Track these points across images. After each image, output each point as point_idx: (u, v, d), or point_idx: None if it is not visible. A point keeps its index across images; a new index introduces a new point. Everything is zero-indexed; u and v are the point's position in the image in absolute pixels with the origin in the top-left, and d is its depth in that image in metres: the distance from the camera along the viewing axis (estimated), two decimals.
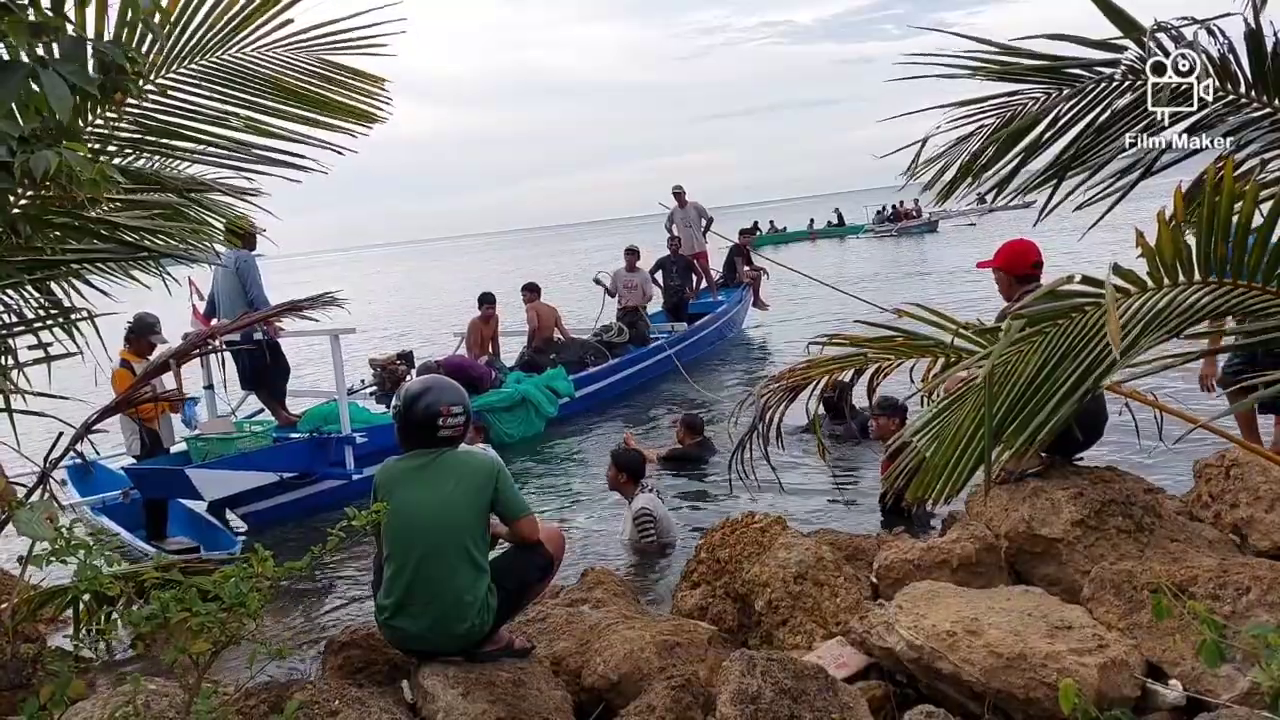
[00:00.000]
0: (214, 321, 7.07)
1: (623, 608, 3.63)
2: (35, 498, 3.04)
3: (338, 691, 2.63)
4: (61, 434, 3.25)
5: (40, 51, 2.15)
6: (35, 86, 2.09)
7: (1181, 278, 2.06)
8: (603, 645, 3.12)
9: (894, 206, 38.20)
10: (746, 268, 13.79)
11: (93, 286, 3.25)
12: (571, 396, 9.01)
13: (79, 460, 5.18)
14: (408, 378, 8.49)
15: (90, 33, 2.48)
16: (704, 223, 13.01)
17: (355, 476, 6.58)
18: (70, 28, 2.23)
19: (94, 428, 3.37)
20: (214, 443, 6.24)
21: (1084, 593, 2.99)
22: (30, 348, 3.09)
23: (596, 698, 3.06)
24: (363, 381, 9.00)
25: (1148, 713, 2.56)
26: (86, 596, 3.02)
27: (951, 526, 3.78)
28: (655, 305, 12.19)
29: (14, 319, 3.07)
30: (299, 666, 3.87)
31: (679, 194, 12.91)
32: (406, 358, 8.78)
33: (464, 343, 10.11)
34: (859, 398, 3.51)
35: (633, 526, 5.11)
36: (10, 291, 3.01)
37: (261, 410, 7.54)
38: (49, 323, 3.12)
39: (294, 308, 3.99)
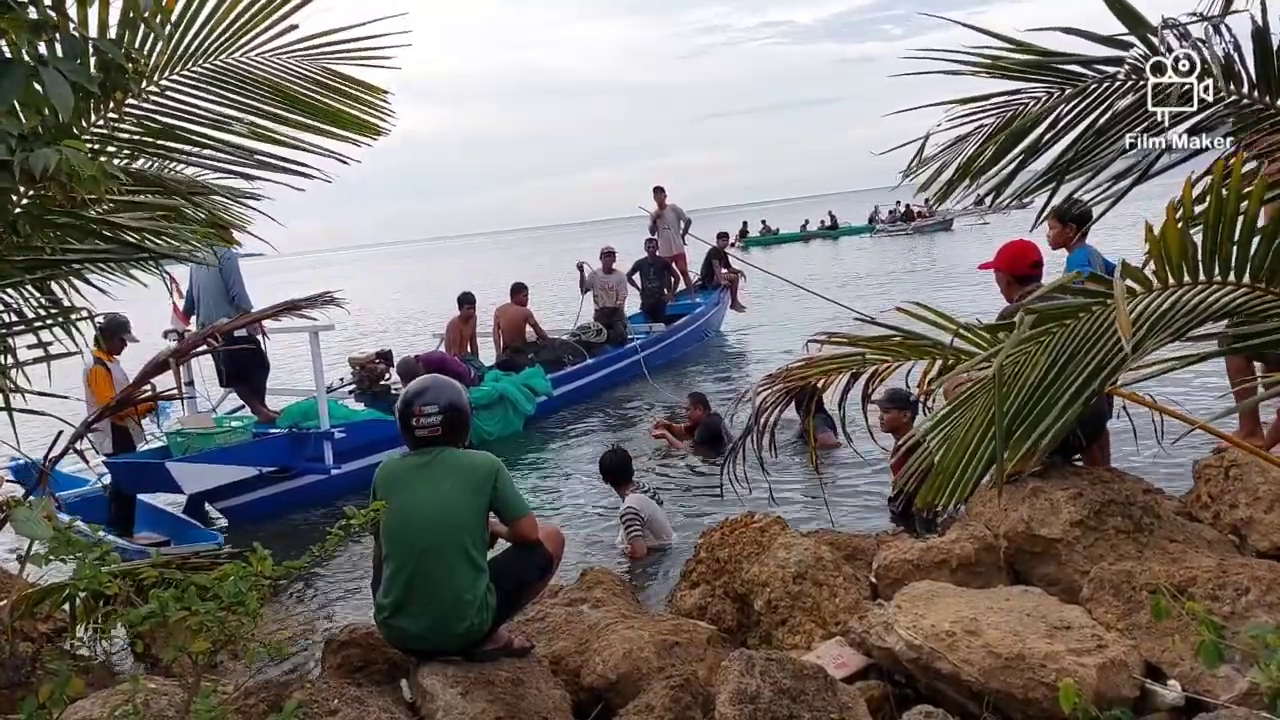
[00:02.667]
0: (193, 319, 7.16)
1: (622, 607, 3.63)
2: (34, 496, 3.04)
3: (337, 690, 2.63)
4: (61, 432, 3.25)
5: (41, 49, 2.15)
6: (36, 85, 2.09)
7: (1187, 278, 2.06)
8: (602, 645, 3.12)
9: (906, 205, 38.15)
10: (724, 270, 13.94)
11: (93, 286, 3.26)
12: (549, 395, 9.11)
13: (24, 461, 5.21)
14: (386, 376, 8.65)
15: (91, 31, 2.48)
16: (682, 225, 13.15)
17: (334, 471, 6.67)
18: (71, 26, 2.23)
19: (93, 426, 3.37)
20: (193, 437, 6.30)
21: (1083, 593, 2.99)
22: (30, 347, 3.10)
23: (595, 697, 3.06)
24: (341, 380, 9.08)
25: (1147, 713, 2.56)
26: (83, 594, 3.02)
27: (951, 526, 3.78)
28: (633, 306, 12.32)
29: (14, 318, 3.07)
30: (298, 665, 3.87)
31: (659, 195, 13.04)
32: (385, 356, 8.91)
33: (443, 342, 10.28)
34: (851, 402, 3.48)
35: (620, 526, 5.13)
36: (10, 290, 3.01)
37: (242, 407, 7.60)
38: (49, 322, 3.12)
39: (293, 306, 3.98)
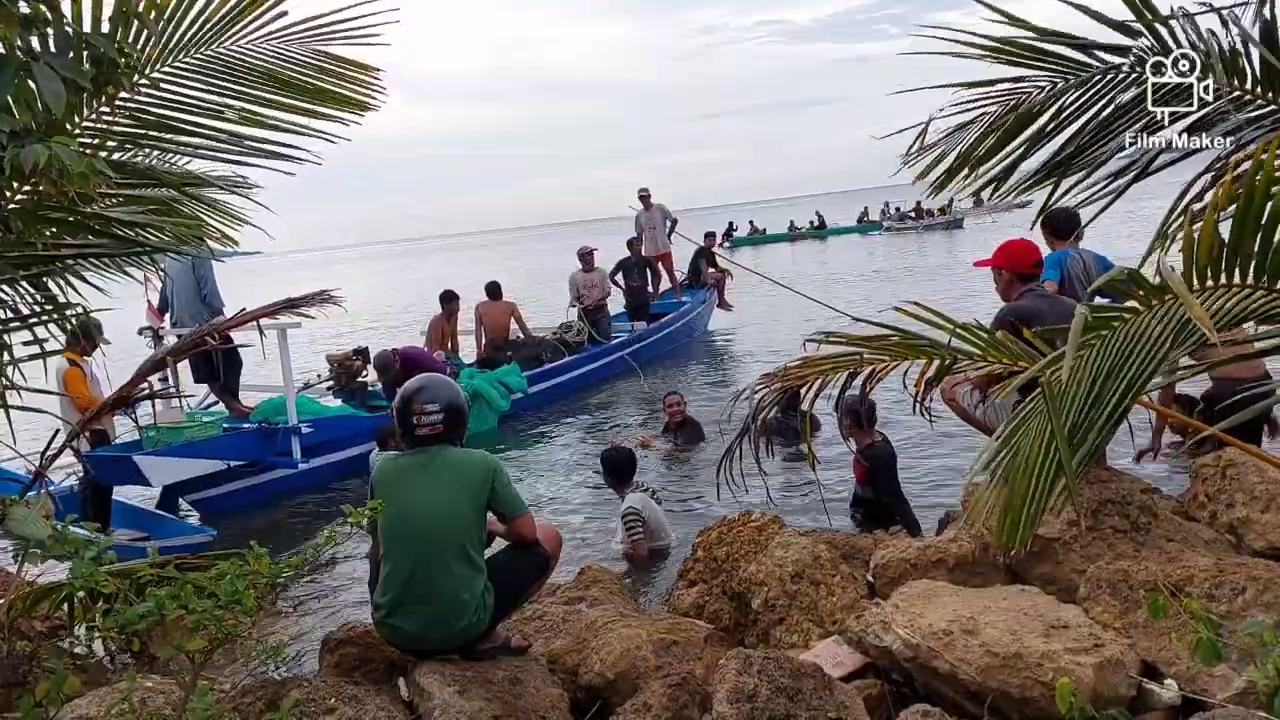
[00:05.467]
0: (167, 317, 7.30)
1: (619, 606, 3.63)
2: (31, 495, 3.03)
3: (334, 689, 2.63)
4: (57, 430, 3.24)
5: (34, 44, 2.14)
6: (29, 81, 2.08)
7: (1210, 282, 2.01)
8: (599, 643, 3.12)
9: (917, 202, 38.15)
10: (711, 269, 13.98)
11: (87, 282, 3.24)
12: (524, 392, 9.16)
13: None
14: (364, 373, 8.76)
15: (84, 26, 2.47)
16: (668, 224, 13.19)
17: (301, 466, 6.76)
18: (63, 20, 2.22)
19: (89, 425, 3.36)
20: (164, 432, 6.42)
21: (1080, 592, 2.99)
22: (25, 344, 3.09)
23: (593, 696, 3.05)
24: (319, 376, 9.14)
25: (1143, 712, 2.56)
26: (81, 593, 3.01)
27: (949, 525, 3.78)
28: (616, 306, 12.34)
29: (9, 315, 3.06)
30: (295, 664, 3.86)
31: (644, 196, 13.09)
32: (363, 354, 8.97)
33: (426, 339, 10.33)
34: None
35: (620, 526, 5.11)
36: (5, 287, 3.00)
37: (217, 403, 7.68)
38: (44, 319, 3.11)
39: (290, 305, 3.98)
